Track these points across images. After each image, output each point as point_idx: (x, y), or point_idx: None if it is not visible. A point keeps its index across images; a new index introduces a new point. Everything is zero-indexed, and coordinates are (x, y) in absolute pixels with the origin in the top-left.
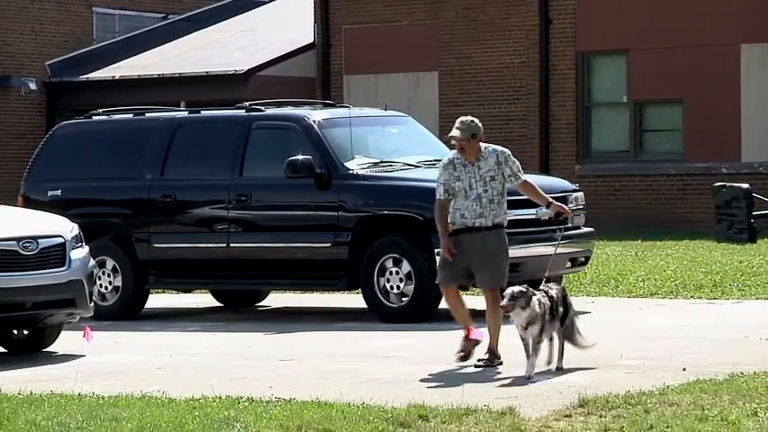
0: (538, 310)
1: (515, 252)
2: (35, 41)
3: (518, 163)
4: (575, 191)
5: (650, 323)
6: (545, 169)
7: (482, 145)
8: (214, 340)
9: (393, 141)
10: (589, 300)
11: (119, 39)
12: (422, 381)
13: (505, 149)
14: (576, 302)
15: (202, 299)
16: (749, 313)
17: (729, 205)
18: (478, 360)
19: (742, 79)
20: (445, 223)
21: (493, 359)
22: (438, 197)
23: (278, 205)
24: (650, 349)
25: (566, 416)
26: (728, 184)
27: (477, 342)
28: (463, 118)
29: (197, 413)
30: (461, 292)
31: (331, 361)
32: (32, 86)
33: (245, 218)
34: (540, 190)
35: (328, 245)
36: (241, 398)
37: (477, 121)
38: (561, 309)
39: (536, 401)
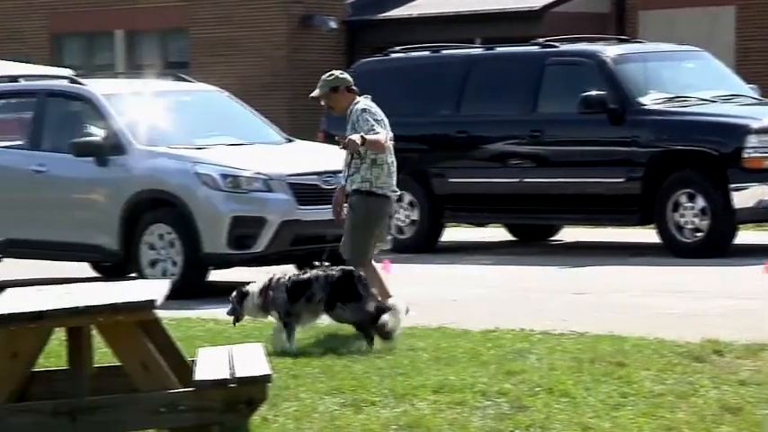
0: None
1: None
2: None
3: (371, 122)
4: None
5: None
6: None
7: (356, 99)
8: (507, 273)
9: (688, 76)
10: None
11: None
12: (714, 315)
13: (360, 106)
14: None
15: (495, 233)
16: None
17: None
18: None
19: None
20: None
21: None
22: None
23: (571, 141)
24: None
25: None
26: None
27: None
28: (324, 75)
29: (491, 344)
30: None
31: (623, 295)
32: (333, 25)
33: (538, 153)
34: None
35: (622, 180)
36: (534, 330)
37: (337, 72)
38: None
39: None
